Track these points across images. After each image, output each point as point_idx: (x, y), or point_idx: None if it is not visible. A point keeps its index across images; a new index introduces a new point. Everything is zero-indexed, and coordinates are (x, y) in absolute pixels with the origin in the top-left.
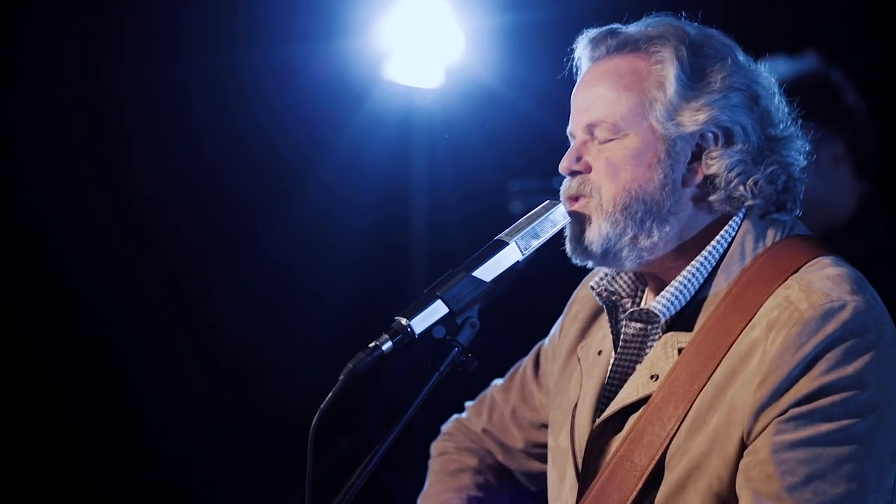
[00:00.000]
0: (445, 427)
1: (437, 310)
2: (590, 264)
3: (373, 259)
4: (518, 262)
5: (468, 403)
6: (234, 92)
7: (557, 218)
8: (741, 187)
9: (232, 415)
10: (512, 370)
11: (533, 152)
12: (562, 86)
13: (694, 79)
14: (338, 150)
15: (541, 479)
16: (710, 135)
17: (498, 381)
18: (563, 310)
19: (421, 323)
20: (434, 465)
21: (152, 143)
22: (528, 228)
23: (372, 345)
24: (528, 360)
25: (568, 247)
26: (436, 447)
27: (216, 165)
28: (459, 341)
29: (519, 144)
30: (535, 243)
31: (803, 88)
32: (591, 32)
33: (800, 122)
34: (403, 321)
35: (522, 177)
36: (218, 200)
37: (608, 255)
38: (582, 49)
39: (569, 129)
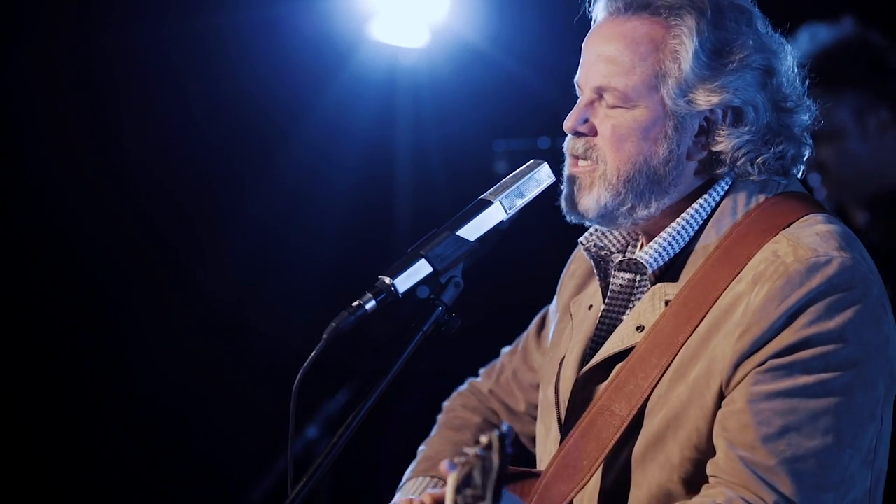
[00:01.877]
0: (459, 389)
1: (421, 269)
2: (584, 223)
3: (357, 218)
4: (502, 221)
5: (482, 369)
6: (218, 51)
7: (542, 177)
8: (748, 165)
9: (218, 374)
10: (522, 334)
11: (518, 112)
12: (547, 44)
13: (712, 57)
14: (322, 110)
15: None
16: (719, 112)
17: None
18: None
19: (405, 282)
20: (441, 419)
21: (136, 103)
22: (513, 187)
23: (355, 303)
24: (533, 323)
25: (563, 205)
26: (446, 405)
27: (200, 124)
28: (443, 300)
29: (504, 104)
30: (520, 202)
31: (844, 54)
32: None
33: (808, 84)
34: (387, 280)
35: (507, 137)
36: (202, 159)
37: (604, 219)
38: None
39: (577, 78)
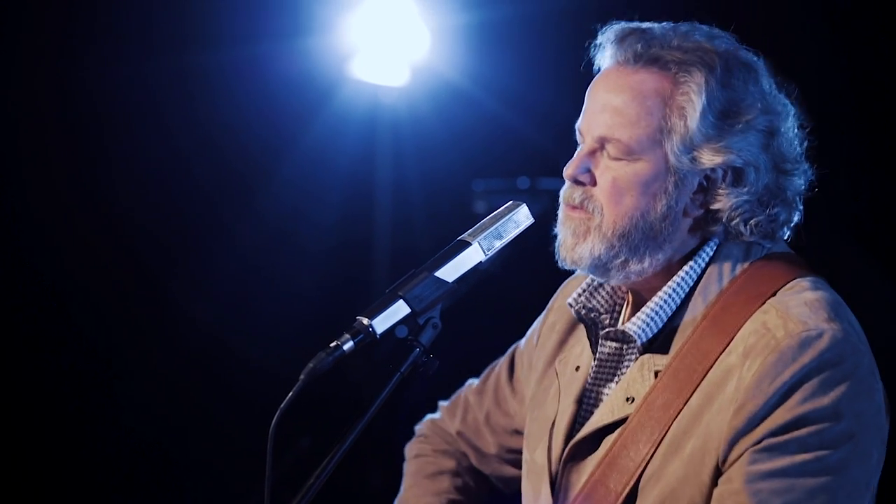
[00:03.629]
0: (419, 428)
1: (399, 310)
2: (577, 272)
3: (338, 256)
4: (481, 262)
5: (442, 403)
6: (202, 89)
7: (521, 219)
8: (742, 225)
9: (197, 408)
10: (486, 371)
11: (498, 152)
12: (527, 85)
13: (719, 117)
14: (304, 148)
15: (514, 483)
16: (720, 171)
17: (473, 381)
18: (539, 307)
19: (382, 323)
20: (410, 467)
21: (120, 140)
22: (492, 229)
23: (333, 344)
24: (502, 364)
25: (558, 252)
26: (411, 449)
27: (184, 162)
28: (421, 342)
29: (484, 143)
30: (499, 244)
31: None
32: (618, 27)
33: (806, 144)
34: (365, 321)
35: (486, 176)
36: (185, 196)
37: (596, 270)
38: (607, 41)
39: (579, 124)
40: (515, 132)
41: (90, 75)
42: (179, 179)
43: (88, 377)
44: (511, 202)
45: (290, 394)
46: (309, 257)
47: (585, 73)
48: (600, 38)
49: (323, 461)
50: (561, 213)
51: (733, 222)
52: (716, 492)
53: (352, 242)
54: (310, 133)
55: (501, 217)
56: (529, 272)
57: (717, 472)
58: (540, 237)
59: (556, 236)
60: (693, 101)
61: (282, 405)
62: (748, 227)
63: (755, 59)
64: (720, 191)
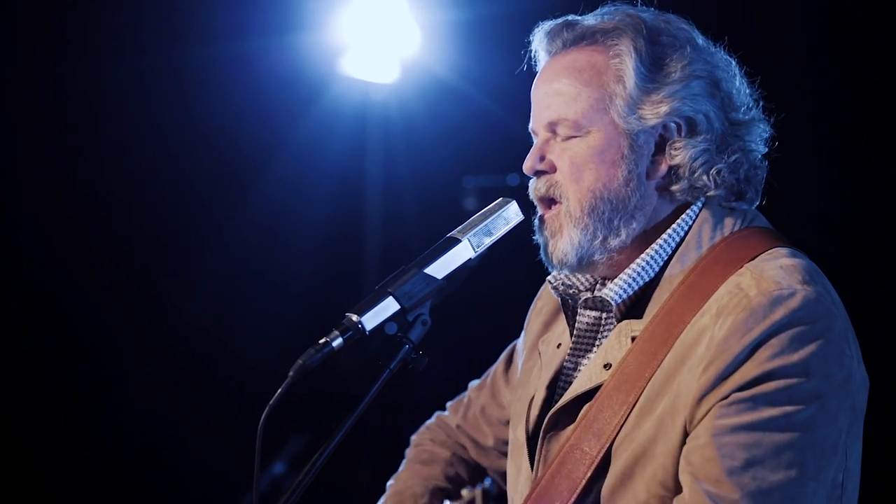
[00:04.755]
0: (428, 422)
1: (389, 306)
2: (566, 272)
3: (328, 252)
4: (470, 259)
5: (450, 403)
6: (192, 86)
7: (511, 216)
8: (704, 177)
9: (188, 405)
10: (490, 368)
11: (488, 148)
12: (518, 81)
13: (653, 70)
14: (294, 145)
15: None
16: (672, 125)
17: (476, 382)
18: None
19: (372, 320)
20: (409, 453)
21: (110, 137)
22: (481, 226)
23: (322, 341)
24: (501, 358)
25: (543, 256)
26: (414, 439)
27: (174, 158)
28: (410, 338)
29: (474, 140)
30: (488, 241)
31: None
32: (547, 25)
33: (761, 103)
34: (354, 318)
35: (477, 173)
36: (175, 193)
37: (583, 263)
38: (538, 42)
39: (530, 125)
40: (506, 129)
41: (80, 73)
42: (169, 176)
43: (80, 374)
44: (501, 199)
45: (279, 390)
46: (299, 254)
47: None
48: (533, 43)
49: (312, 457)
50: (536, 220)
51: (696, 174)
52: (684, 448)
53: (342, 239)
54: (300, 130)
55: (491, 214)
56: (534, 274)
57: (686, 431)
58: (533, 236)
59: (538, 246)
60: (626, 62)
61: (271, 402)
62: (711, 177)
63: (685, 21)
64: (677, 144)
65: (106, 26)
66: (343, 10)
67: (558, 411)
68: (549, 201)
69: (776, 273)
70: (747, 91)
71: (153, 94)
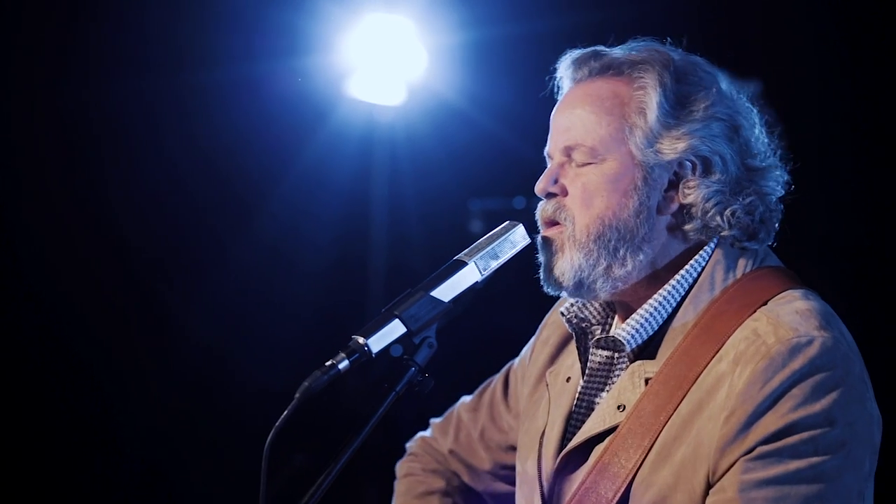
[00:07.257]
0: (410, 446)
1: (395, 329)
2: (563, 295)
3: (334, 275)
4: (477, 282)
5: (434, 420)
6: (200, 108)
7: (517, 239)
8: (718, 217)
9: (193, 426)
10: (480, 388)
11: (494, 171)
12: (525, 105)
13: (676, 106)
14: (301, 167)
15: (507, 499)
16: (688, 163)
17: (466, 399)
18: (532, 330)
19: (378, 342)
20: (400, 486)
21: (119, 159)
22: (488, 249)
23: (328, 363)
24: (497, 381)
25: (541, 276)
26: (401, 468)
27: (181, 180)
28: (416, 361)
29: (480, 163)
30: (495, 264)
31: None
32: (575, 53)
33: (779, 152)
34: (360, 340)
35: (483, 196)
36: (183, 215)
37: (582, 287)
38: (564, 69)
39: (547, 149)
40: (512, 152)
41: (88, 95)
42: (176, 198)
43: (83, 395)
44: (508, 222)
45: (285, 412)
46: (305, 276)
47: None
48: (559, 69)
49: (318, 479)
50: (538, 239)
51: (709, 214)
52: (708, 501)
53: (348, 261)
54: (307, 152)
55: (498, 237)
56: (526, 293)
57: (709, 480)
58: (537, 257)
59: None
60: (650, 95)
61: (277, 424)
62: (725, 218)
63: (712, 66)
64: (690, 183)
65: (113, 49)
66: (350, 32)
67: (571, 451)
68: (554, 224)
69: (792, 319)
70: (766, 140)
71: (161, 117)
